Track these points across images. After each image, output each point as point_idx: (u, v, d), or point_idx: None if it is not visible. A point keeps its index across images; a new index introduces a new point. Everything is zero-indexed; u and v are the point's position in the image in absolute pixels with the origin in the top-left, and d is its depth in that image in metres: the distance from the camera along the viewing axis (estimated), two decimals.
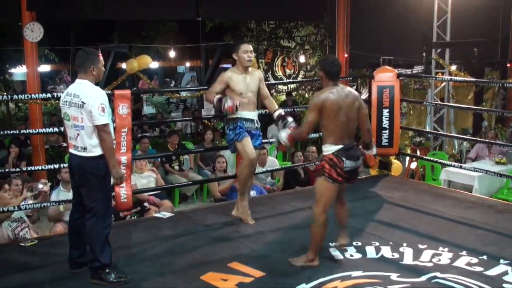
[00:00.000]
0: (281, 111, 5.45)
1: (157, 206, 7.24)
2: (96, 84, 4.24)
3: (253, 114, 5.40)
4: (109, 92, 5.43)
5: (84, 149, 4.12)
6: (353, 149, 4.31)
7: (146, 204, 7.14)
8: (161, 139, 11.58)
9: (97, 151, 4.12)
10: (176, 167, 9.41)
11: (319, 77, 4.41)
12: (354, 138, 4.41)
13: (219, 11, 12.62)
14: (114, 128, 5.42)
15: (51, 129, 6.18)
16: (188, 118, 13.16)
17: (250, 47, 5.34)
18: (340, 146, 4.23)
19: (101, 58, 4.29)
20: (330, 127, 4.24)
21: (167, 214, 5.95)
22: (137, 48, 18.23)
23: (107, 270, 4.18)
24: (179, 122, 13.55)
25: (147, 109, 17.54)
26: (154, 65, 18.69)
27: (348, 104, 4.25)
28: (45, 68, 18.41)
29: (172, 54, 17.90)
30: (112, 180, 4.24)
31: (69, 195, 6.15)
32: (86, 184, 4.18)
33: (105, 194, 4.24)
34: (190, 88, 17.36)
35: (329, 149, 4.26)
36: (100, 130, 4.06)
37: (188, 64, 23.81)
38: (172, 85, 22.84)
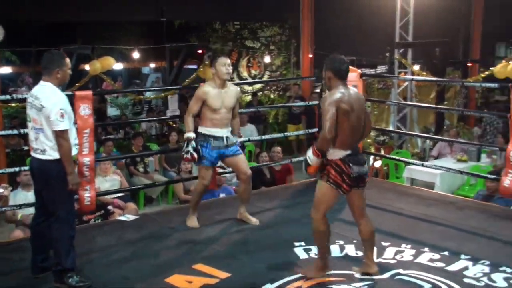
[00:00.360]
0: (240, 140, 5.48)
1: (121, 209, 7.17)
2: (61, 87, 4.18)
3: (223, 132, 5.25)
4: (70, 93, 5.36)
5: (43, 151, 4.06)
6: (360, 154, 4.13)
7: (110, 207, 7.05)
8: (126, 141, 11.47)
9: (56, 155, 4.05)
10: (141, 169, 9.32)
11: (325, 78, 4.10)
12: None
13: (184, 12, 12.60)
14: (77, 129, 5.36)
15: (10, 131, 6.06)
16: (153, 119, 13.08)
17: (228, 61, 5.21)
18: (349, 152, 3.97)
19: (68, 61, 4.21)
20: (340, 130, 3.90)
21: (131, 217, 5.89)
22: (100, 49, 18.01)
23: (69, 274, 4.11)
24: (143, 123, 13.42)
25: (111, 111, 17.33)
26: (118, 66, 18.42)
27: (359, 106, 4.00)
28: (6, 70, 18.02)
29: (136, 55, 17.75)
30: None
31: (28, 196, 6.12)
32: (47, 187, 4.13)
33: (67, 197, 4.18)
34: (154, 88, 17.24)
35: (336, 153, 3.97)
36: (58, 136, 4.00)
37: (152, 65, 23.61)
38: (136, 86, 22.63)
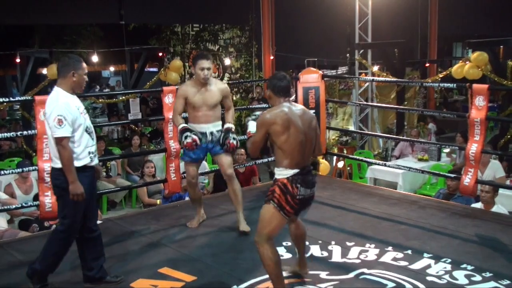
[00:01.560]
0: (231, 126, 5.26)
1: None
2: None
3: (208, 127, 5.19)
4: (29, 98, 5.26)
5: (52, 159, 4.05)
6: (309, 174, 3.83)
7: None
8: None
9: (60, 164, 3.95)
10: (103, 174, 9.21)
11: (267, 97, 3.98)
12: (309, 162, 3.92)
13: (143, 15, 12.51)
14: (36, 135, 5.28)
15: None
16: (115, 123, 12.93)
17: (207, 64, 5.03)
18: (296, 171, 3.74)
19: (85, 65, 4.08)
20: (285, 148, 3.72)
21: None
22: (59, 53, 17.72)
23: (35, 278, 4.04)
24: (105, 127, 13.26)
25: None
26: None
27: (305, 122, 3.81)
28: None
29: (95, 58, 17.52)
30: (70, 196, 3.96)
31: None
32: (55, 194, 4.15)
33: (67, 210, 4.02)
34: (115, 92, 17.04)
35: (283, 173, 3.76)
36: (56, 143, 3.90)
37: (112, 69, 23.36)
38: (97, 89, 22.37)
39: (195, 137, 4.97)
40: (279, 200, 3.73)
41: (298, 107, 3.91)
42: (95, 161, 4.17)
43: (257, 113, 4.25)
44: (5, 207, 6.10)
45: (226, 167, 5.28)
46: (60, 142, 3.85)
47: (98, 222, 5.72)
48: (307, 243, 4.86)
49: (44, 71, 10.20)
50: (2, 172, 5.64)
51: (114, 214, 8.08)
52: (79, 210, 4.03)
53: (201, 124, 5.18)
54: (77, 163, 3.95)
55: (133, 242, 5.13)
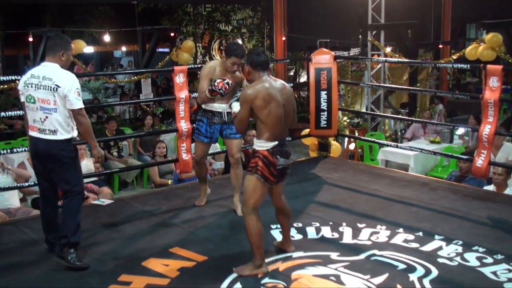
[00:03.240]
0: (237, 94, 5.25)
1: (95, 194, 7.11)
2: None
3: (223, 107, 5.15)
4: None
5: (54, 132, 4.09)
6: (285, 145, 4.02)
7: (84, 192, 6.98)
8: (98, 125, 11.35)
9: (67, 135, 4.13)
10: (115, 154, 9.25)
11: (247, 72, 4.15)
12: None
13: None
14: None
15: None
16: (126, 102, 12.97)
17: (239, 61, 4.94)
18: (275, 143, 3.92)
19: (73, 46, 4.32)
20: (267, 122, 3.89)
21: (106, 201, 5.84)
22: (70, 32, 17.72)
23: (71, 250, 4.14)
24: (117, 107, 13.30)
25: (83, 95, 17.11)
26: (89, 50, 18.16)
27: (284, 96, 3.96)
28: None
29: (107, 38, 17.50)
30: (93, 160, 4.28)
31: None
32: (58, 167, 4.17)
33: (79, 175, 4.33)
34: (127, 72, 17.06)
35: (263, 145, 3.93)
36: (77, 114, 4.11)
37: (124, 49, 23.35)
38: (109, 70, 22.39)
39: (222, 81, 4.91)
40: (262, 172, 3.91)
41: (278, 82, 4.04)
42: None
43: (239, 94, 4.28)
44: (19, 185, 6.14)
45: (234, 151, 5.27)
46: (81, 112, 4.12)
47: (110, 201, 5.83)
48: (317, 224, 4.90)
49: None
50: (15, 150, 5.68)
51: (126, 194, 8.11)
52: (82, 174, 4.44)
53: (218, 103, 5.15)
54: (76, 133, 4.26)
55: (145, 222, 5.15)
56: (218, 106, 5.16)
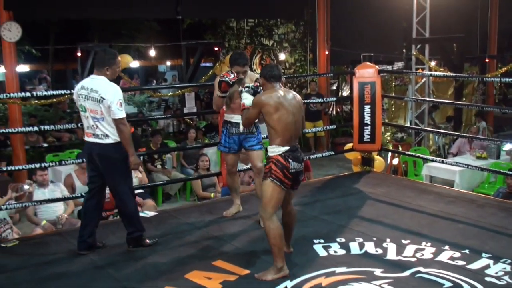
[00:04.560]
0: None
1: (140, 206, 7.19)
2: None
3: (239, 118, 5.15)
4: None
5: (106, 136, 4.49)
6: (298, 151, 4.22)
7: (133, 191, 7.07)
8: (143, 138, 11.52)
9: (117, 138, 4.50)
10: (159, 167, 9.36)
11: (261, 84, 4.37)
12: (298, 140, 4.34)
13: (199, 10, 12.60)
14: None
15: (30, 128, 6.12)
16: (170, 116, 13.13)
17: (243, 69, 5.13)
18: (287, 148, 4.13)
19: (119, 59, 4.65)
20: (277, 128, 4.11)
21: (150, 213, 5.91)
22: (117, 47, 18.09)
23: (143, 236, 4.80)
24: (161, 121, 13.48)
25: (128, 109, 17.42)
26: (135, 64, 18.52)
27: (295, 105, 4.21)
28: (23, 68, 18.16)
29: (152, 53, 17.79)
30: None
31: (46, 194, 6.40)
32: (110, 168, 4.58)
33: (129, 175, 4.74)
34: (171, 86, 17.29)
35: (275, 150, 4.14)
36: (119, 123, 4.44)
37: (169, 63, 23.69)
38: (153, 84, 22.74)
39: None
40: (276, 175, 4.10)
41: (290, 93, 4.27)
42: None
43: (250, 85, 4.59)
44: (66, 196, 6.28)
45: (257, 161, 5.32)
46: (122, 121, 4.44)
47: (154, 213, 5.90)
48: (361, 239, 4.85)
49: None
50: (63, 163, 5.81)
51: (169, 206, 8.18)
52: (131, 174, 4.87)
53: (235, 114, 5.26)
54: None
55: (188, 234, 5.19)
56: (236, 118, 5.25)
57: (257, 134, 5.37)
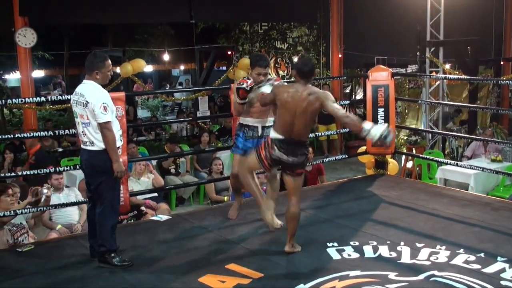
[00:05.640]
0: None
1: (153, 210, 7.23)
2: (104, 86, 4.53)
3: (258, 122, 5.30)
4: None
5: (92, 143, 4.42)
6: (292, 146, 4.42)
7: (143, 207, 7.12)
8: (157, 142, 11.56)
9: (103, 145, 4.40)
10: (173, 170, 9.39)
11: (294, 76, 4.51)
12: (303, 138, 4.50)
13: (212, 14, 12.63)
14: None
15: (44, 133, 6.16)
16: (183, 119, 13.17)
17: (263, 71, 5.12)
18: (281, 137, 4.42)
19: (108, 62, 4.53)
20: (278, 121, 4.50)
21: (164, 217, 5.93)
22: (131, 51, 18.18)
23: (113, 255, 4.50)
24: (174, 125, 13.52)
25: (142, 113, 17.52)
26: (149, 68, 18.58)
27: (302, 106, 4.36)
28: (38, 73, 18.30)
29: (166, 57, 17.86)
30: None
31: (61, 199, 6.42)
32: (93, 176, 4.50)
33: (113, 185, 4.53)
34: (185, 89, 17.36)
35: (272, 133, 4.50)
36: (102, 127, 4.35)
37: (182, 67, 23.76)
38: (167, 88, 22.83)
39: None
40: (259, 151, 4.58)
41: (308, 90, 4.40)
42: (121, 143, 4.70)
43: (276, 82, 4.99)
44: (79, 200, 6.32)
45: None
46: (106, 125, 4.36)
47: (167, 217, 5.91)
48: (374, 243, 4.83)
49: (117, 69, 10.50)
50: (78, 167, 5.84)
51: (183, 210, 8.21)
52: (119, 184, 4.72)
53: (254, 118, 5.29)
54: None
55: (201, 238, 5.20)
56: (256, 121, 5.28)
57: None
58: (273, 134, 4.49)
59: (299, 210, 4.66)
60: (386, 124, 4.48)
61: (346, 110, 14.95)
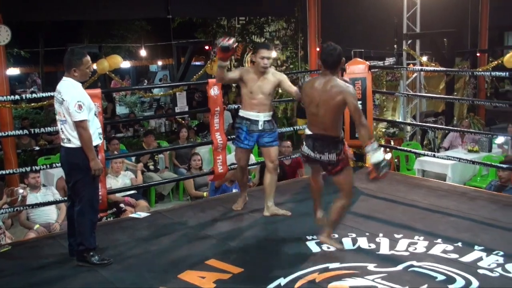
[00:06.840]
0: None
1: (132, 207, 7.20)
2: (82, 82, 4.49)
3: (259, 115, 5.30)
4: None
5: (69, 140, 4.38)
6: (320, 141, 4.33)
7: (122, 205, 7.08)
8: (135, 139, 11.49)
9: (80, 143, 4.35)
10: (151, 167, 9.33)
11: (320, 67, 4.48)
12: (330, 133, 4.28)
13: (189, 8, 12.57)
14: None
15: (20, 132, 6.09)
16: (161, 115, 13.12)
17: (267, 53, 5.14)
18: (309, 133, 4.39)
19: (86, 59, 4.44)
20: (307, 113, 4.42)
21: (143, 214, 5.90)
22: (108, 47, 18.03)
23: (91, 253, 4.45)
24: (152, 121, 13.45)
25: (120, 109, 17.39)
26: (126, 64, 18.42)
27: (323, 98, 4.22)
28: (13, 71, 18.07)
29: (143, 53, 17.74)
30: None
31: (38, 198, 6.32)
32: (72, 173, 4.47)
33: (90, 182, 4.47)
34: (162, 85, 17.25)
35: (306, 130, 4.48)
36: (77, 126, 4.30)
37: (160, 63, 23.64)
38: (145, 84, 22.68)
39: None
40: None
41: (332, 83, 4.23)
42: (101, 141, 4.69)
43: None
44: (57, 199, 6.26)
45: (273, 157, 5.41)
46: (81, 124, 4.29)
47: (146, 214, 5.88)
48: (354, 235, 4.86)
49: (94, 66, 10.40)
50: (54, 166, 5.79)
51: (162, 207, 8.17)
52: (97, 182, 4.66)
53: (256, 112, 5.28)
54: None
55: (181, 234, 5.18)
56: (257, 115, 5.28)
57: (276, 131, 5.42)
58: (306, 130, 4.47)
59: (344, 204, 4.58)
60: (389, 155, 4.52)
61: None
